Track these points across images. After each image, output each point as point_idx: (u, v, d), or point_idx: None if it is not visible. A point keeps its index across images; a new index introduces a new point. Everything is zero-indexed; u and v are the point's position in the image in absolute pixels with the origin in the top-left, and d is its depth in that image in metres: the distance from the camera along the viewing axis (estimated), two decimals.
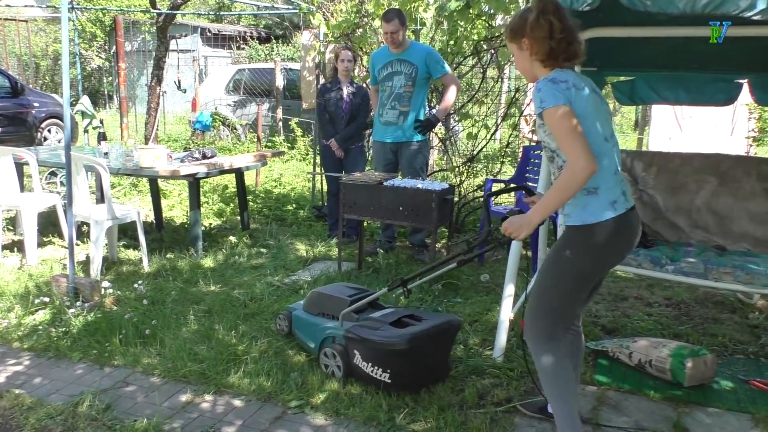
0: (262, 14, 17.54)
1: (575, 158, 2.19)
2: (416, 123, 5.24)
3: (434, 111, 5.49)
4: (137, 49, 18.12)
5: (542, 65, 2.37)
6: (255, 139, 10.66)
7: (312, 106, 9.24)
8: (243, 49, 19.88)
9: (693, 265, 3.44)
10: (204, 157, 5.61)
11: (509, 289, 3.47)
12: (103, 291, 4.23)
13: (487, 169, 7.05)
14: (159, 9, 7.89)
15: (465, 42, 5.78)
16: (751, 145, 8.23)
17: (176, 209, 7.31)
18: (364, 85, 6.15)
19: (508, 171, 7.35)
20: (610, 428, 2.88)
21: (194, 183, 5.31)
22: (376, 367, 3.09)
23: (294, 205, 7.22)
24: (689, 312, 4.40)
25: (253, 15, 19.53)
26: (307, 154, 9.84)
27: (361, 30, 6.27)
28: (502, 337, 3.47)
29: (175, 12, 8.04)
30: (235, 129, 11.16)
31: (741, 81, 4.27)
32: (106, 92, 18.62)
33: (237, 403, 3.10)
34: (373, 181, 4.70)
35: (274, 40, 20.09)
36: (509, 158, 7.57)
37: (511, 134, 6.43)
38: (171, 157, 5.60)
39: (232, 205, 7.31)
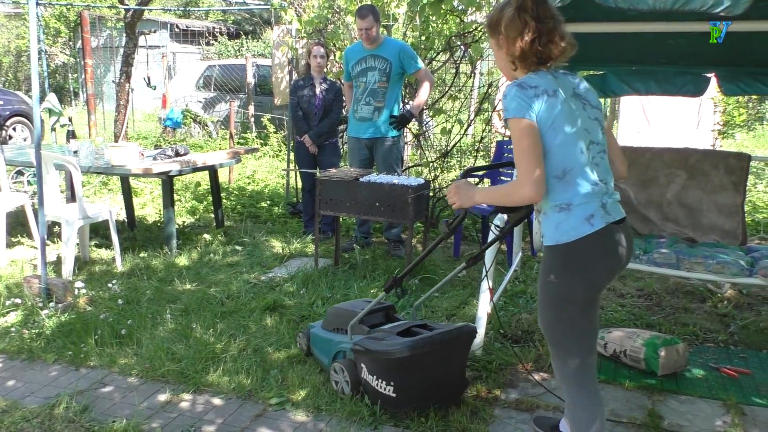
0: (234, 10, 17.37)
1: (522, 180, 2.06)
2: (391, 119, 5.26)
3: (408, 107, 5.51)
4: (103, 45, 17.78)
5: (513, 66, 2.20)
6: (227, 136, 10.59)
7: (284, 102, 9.20)
8: (212, 45, 19.65)
9: (665, 255, 3.52)
10: (177, 154, 5.55)
11: (486, 284, 3.50)
12: (76, 291, 4.16)
13: (460, 164, 7.10)
14: (127, 5, 7.76)
15: (437, 37, 5.80)
16: (716, 138, 8.42)
17: (148, 207, 7.22)
18: (337, 81, 6.13)
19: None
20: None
21: (167, 181, 5.25)
22: (380, 380, 2.88)
23: (268, 202, 7.18)
24: (661, 302, 4.49)
25: (223, 11, 19.32)
26: (280, 151, 9.79)
27: (333, 26, 6.24)
28: (480, 332, 3.51)
29: (143, 8, 7.92)
30: (206, 126, 11.04)
31: (708, 75, 4.37)
32: (71, 89, 18.24)
33: (217, 401, 3.08)
34: (349, 176, 4.70)
35: (243, 36, 19.90)
36: (482, 153, 7.63)
37: (484, 129, 6.46)
38: (143, 154, 5.53)
39: (205, 202, 7.25)
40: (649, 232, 4.17)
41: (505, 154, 5.75)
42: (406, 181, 4.61)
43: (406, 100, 5.98)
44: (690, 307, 4.41)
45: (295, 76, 7.22)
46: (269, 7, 7.11)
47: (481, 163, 6.90)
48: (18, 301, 4.07)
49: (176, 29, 19.06)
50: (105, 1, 18.10)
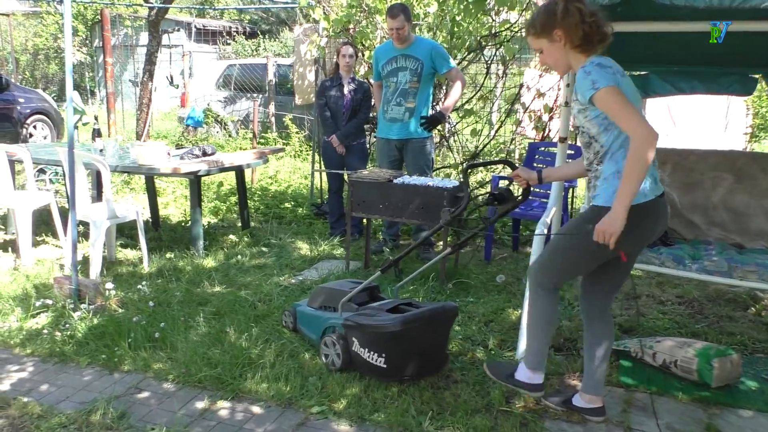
0: (261, 8, 17.32)
1: (638, 127, 2.26)
2: (422, 119, 5.16)
3: (439, 107, 5.41)
4: (119, 44, 17.80)
5: (577, 52, 2.45)
6: (247, 136, 10.53)
7: (305, 101, 9.15)
8: (229, 44, 19.63)
9: (716, 263, 3.40)
10: (204, 154, 5.47)
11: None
12: (106, 293, 4.09)
13: (489, 168, 6.98)
14: (152, 3, 7.71)
15: (468, 37, 5.69)
16: (748, 142, 8.26)
17: (171, 207, 7.16)
18: (365, 81, 6.04)
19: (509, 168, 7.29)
20: None
21: (195, 181, 5.18)
22: (372, 353, 3.11)
23: (292, 203, 7.10)
24: (703, 310, 4.36)
25: (248, 9, 19.25)
26: (302, 151, 9.70)
27: (361, 25, 6.15)
28: (523, 339, 3.40)
29: (168, 6, 7.87)
30: (226, 125, 10.98)
31: (755, 75, 4.24)
32: (88, 87, 18.27)
33: (256, 409, 2.99)
34: (382, 178, 4.60)
35: (260, 36, 19.86)
36: (504, 154, 7.51)
37: (513, 131, 6.36)
38: (169, 154, 5.46)
39: (228, 203, 7.18)
40: (695, 237, 4.04)
41: (537, 156, 5.64)
42: (440, 183, 4.52)
43: (437, 101, 5.89)
44: (734, 315, 4.28)
45: (322, 75, 7.12)
46: (297, 5, 7.02)
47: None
48: (48, 302, 4.00)
49: (194, 28, 19.11)
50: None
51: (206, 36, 19.09)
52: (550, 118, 5.89)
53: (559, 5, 2.42)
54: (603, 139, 2.45)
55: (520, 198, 3.01)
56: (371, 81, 5.77)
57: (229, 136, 10.82)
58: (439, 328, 3.23)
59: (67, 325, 3.75)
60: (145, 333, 3.63)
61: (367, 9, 6.10)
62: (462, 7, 4.78)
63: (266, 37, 19.90)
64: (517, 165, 3.08)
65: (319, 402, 3.02)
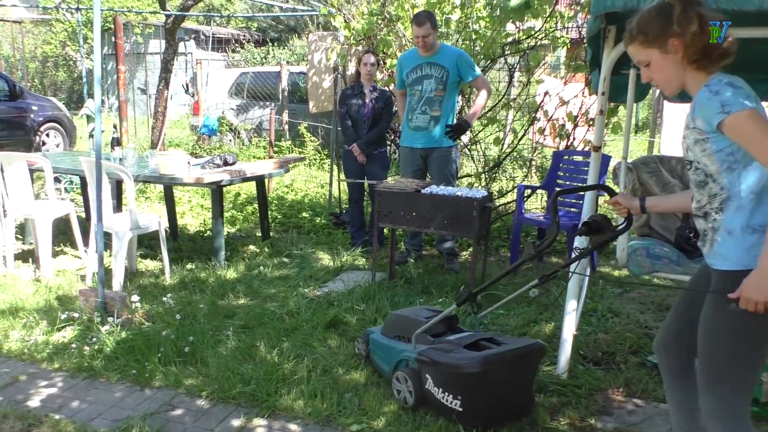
0: (281, 15, 17.29)
1: None
2: (447, 128, 5.09)
3: (464, 116, 5.34)
4: (130, 52, 17.81)
5: (695, 68, 1.99)
6: (260, 144, 10.48)
7: (320, 109, 9.06)
8: (237, 52, 19.64)
9: None
10: (225, 163, 5.41)
11: (571, 305, 3.32)
12: (132, 305, 4.02)
13: (506, 176, 6.91)
14: (169, 10, 7.68)
15: (492, 44, 5.63)
16: None
17: (187, 216, 7.10)
18: (387, 89, 5.98)
19: (531, 177, 7.22)
20: None
21: (217, 191, 5.12)
22: (446, 393, 2.84)
23: (310, 212, 7.03)
24: None
25: (264, 17, 19.21)
26: (317, 160, 9.64)
27: (383, 33, 6.09)
28: (565, 354, 3.32)
29: (186, 14, 7.83)
30: (239, 134, 10.93)
31: None
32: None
33: (294, 427, 2.91)
34: (409, 188, 4.53)
35: (270, 43, 19.86)
36: (519, 163, 7.44)
37: (531, 140, 6.29)
38: (189, 163, 5.40)
39: (245, 212, 7.12)
40: None
41: (562, 165, 5.57)
42: (470, 193, 4.44)
43: (461, 109, 5.82)
44: None
45: (341, 84, 7.07)
46: (317, 13, 6.97)
47: (533, 176, 6.72)
48: (74, 315, 3.93)
49: (202, 36, 19.12)
50: (137, 6, 18.16)
51: (215, 44, 19.14)
52: (574, 127, 5.81)
53: (676, 8, 1.96)
54: (724, 181, 1.97)
55: (620, 227, 2.51)
56: (393, 89, 5.70)
57: (243, 144, 10.77)
58: (524, 369, 2.93)
59: (94, 339, 3.68)
60: (174, 347, 3.55)
61: (388, 17, 6.04)
62: (493, 15, 4.66)
63: (275, 44, 19.90)
64: (615, 191, 2.60)
65: (358, 420, 2.94)
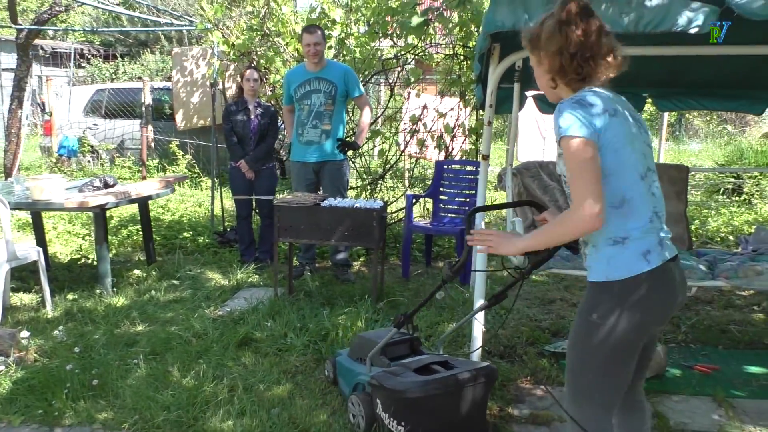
0: (156, 30, 16.41)
1: (583, 204, 1.83)
2: (338, 141, 5.21)
3: (354, 137, 5.50)
4: None
5: (553, 83, 2.03)
6: (125, 164, 9.97)
7: (191, 126, 8.83)
8: (83, 67, 18.49)
9: None
10: (106, 185, 5.15)
11: (480, 303, 3.54)
12: (23, 341, 3.72)
13: (387, 186, 7.13)
14: (20, 24, 7.12)
15: (372, 59, 5.84)
16: None
17: (54, 244, 6.61)
18: (271, 104, 5.99)
19: (414, 187, 7.52)
20: None
21: (100, 215, 4.86)
22: (392, 420, 2.73)
23: (191, 232, 6.82)
24: None
25: (137, 31, 18.13)
26: (191, 178, 9.34)
27: (263, 48, 6.10)
28: (476, 350, 3.53)
29: (41, 28, 7.30)
30: (96, 153, 10.29)
31: (644, 95, 4.73)
32: None
33: None
34: (309, 202, 4.59)
35: (120, 59, 18.89)
36: (398, 174, 7.73)
37: (420, 150, 6.55)
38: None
39: (119, 235, 6.77)
40: None
41: (445, 174, 5.87)
42: (367, 204, 4.58)
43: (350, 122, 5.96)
44: None
45: (220, 99, 6.96)
46: (194, 28, 6.80)
47: (418, 185, 7.00)
48: None
49: (41, 50, 17.75)
50: None
51: (55, 59, 17.86)
52: (452, 139, 6.16)
53: (550, 21, 1.98)
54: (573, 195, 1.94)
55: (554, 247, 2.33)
56: (282, 104, 5.72)
57: (102, 165, 10.18)
58: (472, 394, 2.79)
59: None
60: (80, 382, 3.35)
61: (268, 32, 6.06)
62: (413, 30, 4.76)
63: (125, 59, 18.96)
64: (544, 207, 2.52)
65: None
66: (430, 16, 3.81)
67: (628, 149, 1.94)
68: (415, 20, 3.52)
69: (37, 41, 17.67)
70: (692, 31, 3.00)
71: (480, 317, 3.56)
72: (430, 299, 2.95)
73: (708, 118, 15.89)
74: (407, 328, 2.99)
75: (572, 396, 2.09)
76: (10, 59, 13.93)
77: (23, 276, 5.35)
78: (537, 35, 2.02)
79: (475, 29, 5.49)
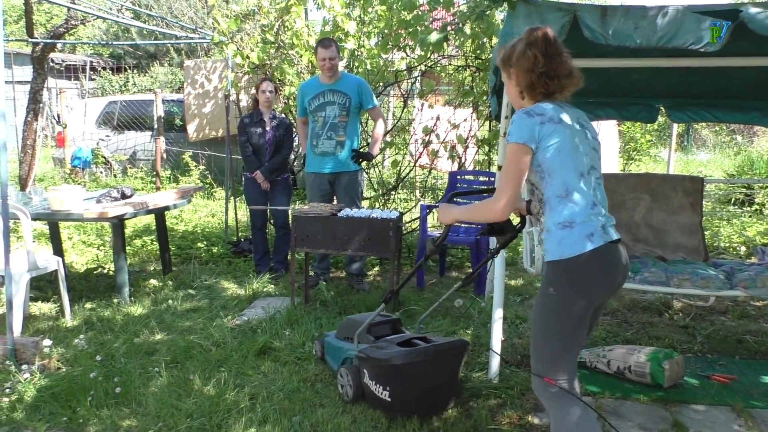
0: (168, 43, 16.57)
1: (499, 198, 2.26)
2: (352, 152, 5.26)
3: (368, 148, 5.55)
4: None
5: (521, 96, 2.41)
6: (137, 175, 10.06)
7: (202, 137, 8.91)
8: (93, 80, 18.65)
9: (655, 274, 3.76)
10: (123, 196, 5.21)
11: (498, 313, 3.57)
12: (45, 350, 3.77)
13: (401, 197, 7.18)
14: (36, 38, 7.22)
15: (385, 71, 5.90)
16: (625, 163, 9.13)
17: (70, 254, 6.67)
18: (283, 115, 6.05)
19: (426, 198, 7.55)
20: None
21: (118, 225, 4.92)
22: (378, 385, 3.16)
23: (205, 242, 6.88)
24: (626, 318, 4.78)
25: (146, 44, 18.29)
26: (204, 189, 9.40)
27: (277, 60, 6.17)
28: (495, 360, 3.57)
29: (56, 41, 7.40)
30: (109, 165, 10.38)
31: (657, 105, 4.77)
32: None
33: None
34: (326, 212, 4.63)
35: (129, 71, 19.04)
36: (410, 184, 7.77)
37: (433, 161, 6.60)
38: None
39: (133, 246, 6.83)
40: None
41: (458, 185, 5.91)
42: (383, 214, 4.62)
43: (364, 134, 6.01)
44: (653, 321, 4.72)
45: (235, 111, 7.03)
46: (209, 41, 6.89)
47: (430, 195, 7.04)
48: None
49: (52, 63, 17.91)
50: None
51: (66, 72, 18.03)
52: (465, 149, 6.20)
53: (520, 44, 2.35)
54: (541, 189, 2.34)
55: (518, 227, 2.81)
56: (296, 116, 5.78)
57: (114, 176, 10.26)
58: (446, 364, 3.21)
59: (8, 390, 3.42)
60: (103, 389, 3.39)
61: (282, 45, 6.13)
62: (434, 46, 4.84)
63: (135, 71, 19.12)
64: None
65: None
66: (450, 29, 3.85)
67: (570, 150, 2.29)
68: (435, 36, 3.56)
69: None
70: (703, 49, 3.05)
71: (498, 327, 3.60)
72: (412, 276, 3.31)
73: (717, 129, 15.91)
74: (394, 303, 3.48)
75: (536, 362, 2.40)
76: (22, 72, 14.08)
77: (41, 285, 5.42)
78: (509, 55, 2.40)
79: (488, 41, 5.55)
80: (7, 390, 3.42)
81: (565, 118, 2.30)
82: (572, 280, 2.27)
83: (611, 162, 9.14)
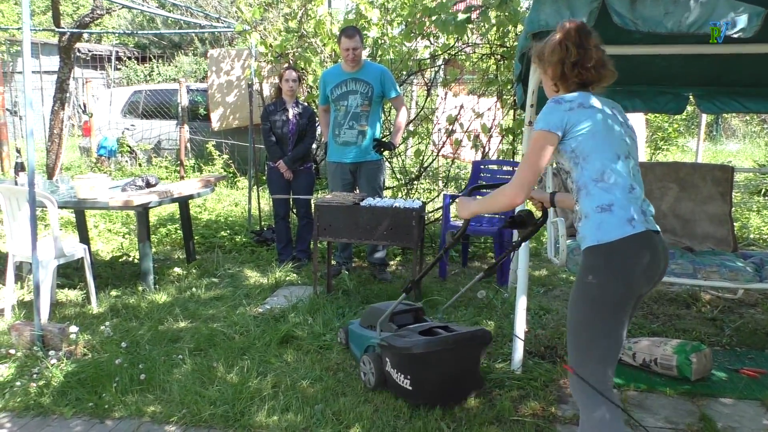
0: (191, 32, 16.69)
1: (516, 182, 2.26)
2: (374, 141, 5.23)
3: (390, 137, 5.52)
4: None
5: (556, 89, 2.40)
6: (161, 165, 10.15)
7: (226, 126, 8.96)
8: (119, 69, 18.82)
9: (682, 266, 3.69)
10: (148, 185, 5.25)
11: (521, 303, 3.54)
12: (72, 336, 3.82)
13: (423, 187, 7.14)
14: (63, 27, 7.29)
15: (409, 60, 5.86)
16: (653, 153, 8.99)
17: (96, 242, 6.76)
18: (306, 104, 6.04)
19: (448, 187, 7.50)
20: (647, 428, 3.01)
21: (143, 213, 4.96)
22: (400, 374, 3.17)
23: (228, 231, 6.92)
24: (652, 311, 4.71)
25: (171, 33, 18.43)
26: (227, 178, 9.46)
27: (300, 49, 6.15)
28: (519, 350, 3.54)
29: (83, 31, 7.47)
30: (135, 154, 10.49)
31: (687, 94, 4.66)
32: None
33: None
34: (349, 202, 4.62)
35: (153, 60, 19.19)
36: (432, 174, 7.72)
37: (456, 150, 6.55)
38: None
39: (157, 234, 6.90)
40: None
41: (482, 174, 5.86)
42: (406, 204, 4.60)
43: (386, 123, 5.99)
44: (680, 313, 4.65)
45: (258, 100, 7.04)
46: (232, 29, 6.90)
47: (453, 185, 7.00)
48: (11, 351, 3.68)
49: (78, 53, 18.12)
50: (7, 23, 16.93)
51: (92, 61, 18.22)
52: (489, 139, 6.14)
53: (554, 38, 2.36)
54: (575, 175, 2.28)
55: (540, 220, 2.75)
56: (318, 104, 5.77)
57: (139, 165, 10.36)
58: (467, 353, 3.23)
59: (37, 375, 3.47)
60: (128, 376, 3.43)
61: (305, 33, 6.12)
62: (455, 30, 4.76)
63: (159, 61, 19.25)
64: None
65: (335, 428, 2.99)
66: (474, 12, 3.80)
67: (606, 133, 2.26)
68: (461, 16, 3.51)
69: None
70: (736, 35, 2.97)
71: (522, 317, 3.57)
72: (433, 266, 3.31)
73: (747, 119, 15.58)
74: (415, 293, 3.47)
75: (573, 354, 2.28)
76: (50, 62, 14.26)
77: (68, 273, 5.49)
78: (542, 50, 2.42)
79: (512, 28, 5.48)
80: (35, 375, 3.48)
81: (595, 102, 2.28)
82: (613, 265, 2.16)
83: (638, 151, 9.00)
